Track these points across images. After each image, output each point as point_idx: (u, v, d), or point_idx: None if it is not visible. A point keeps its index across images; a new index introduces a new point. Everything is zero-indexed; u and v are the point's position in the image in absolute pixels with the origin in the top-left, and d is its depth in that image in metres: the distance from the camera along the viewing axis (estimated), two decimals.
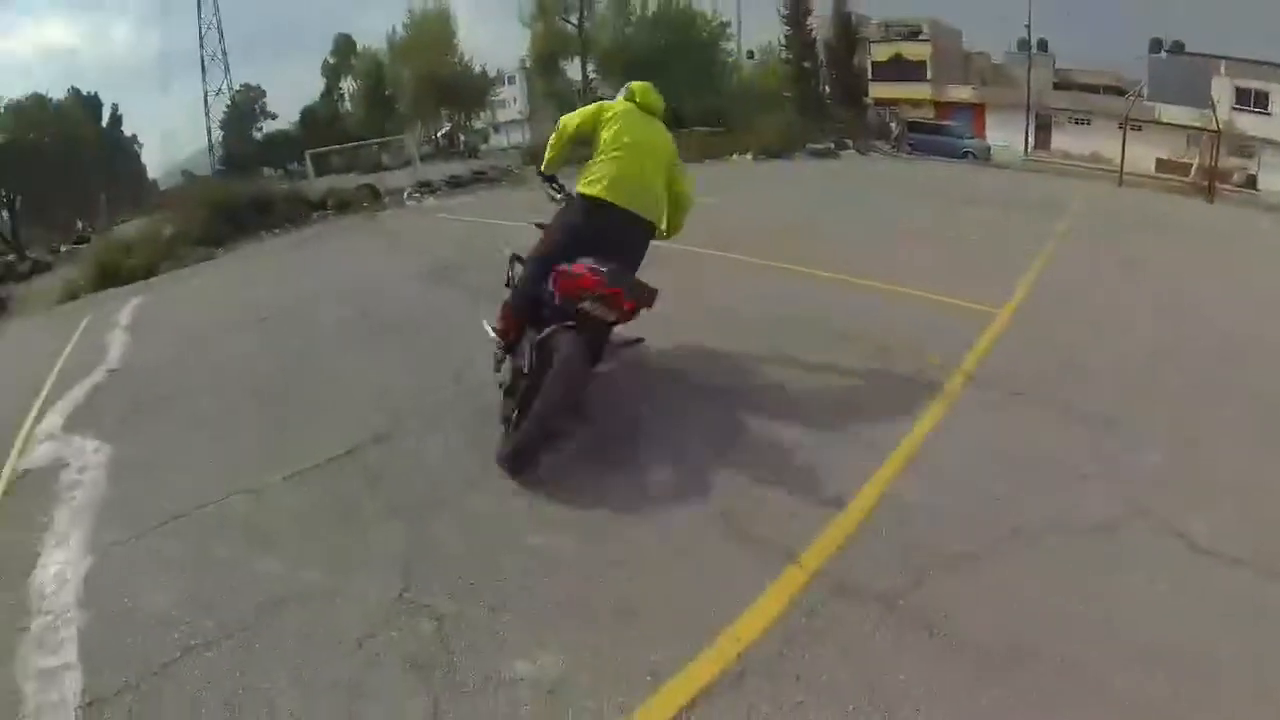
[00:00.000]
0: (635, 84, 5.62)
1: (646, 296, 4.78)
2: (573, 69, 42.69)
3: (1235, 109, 45.50)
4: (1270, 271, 12.36)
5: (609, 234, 5.04)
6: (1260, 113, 46.07)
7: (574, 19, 40.27)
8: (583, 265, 4.64)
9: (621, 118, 5.32)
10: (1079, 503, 4.38)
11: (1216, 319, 8.50)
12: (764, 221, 14.16)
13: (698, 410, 5.63)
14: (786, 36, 46.45)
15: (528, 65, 44.64)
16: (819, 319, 7.79)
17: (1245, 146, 45.09)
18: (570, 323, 4.63)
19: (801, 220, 14.67)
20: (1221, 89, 44.94)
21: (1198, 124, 41.21)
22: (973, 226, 14.43)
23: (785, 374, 6.36)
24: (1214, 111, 38.36)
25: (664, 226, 5.71)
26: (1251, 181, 43.81)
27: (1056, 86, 53.74)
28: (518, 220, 8.12)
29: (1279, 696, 3.03)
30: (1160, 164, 45.34)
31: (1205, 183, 38.47)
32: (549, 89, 41.95)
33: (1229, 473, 4.74)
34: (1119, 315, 8.55)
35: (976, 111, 53.93)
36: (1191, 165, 43.59)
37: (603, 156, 5.17)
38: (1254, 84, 46.01)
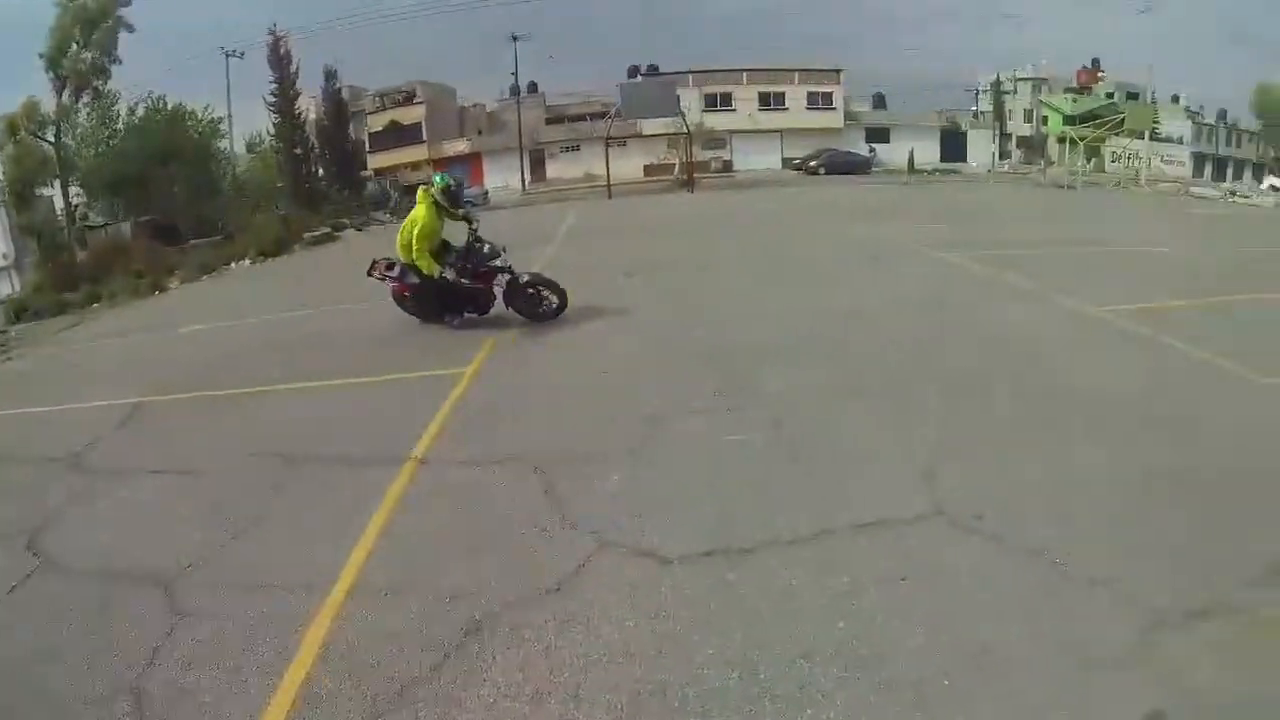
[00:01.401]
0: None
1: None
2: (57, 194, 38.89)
3: (705, 111, 57.91)
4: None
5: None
6: (727, 110, 59.31)
7: (50, 135, 37.15)
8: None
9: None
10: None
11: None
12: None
13: None
14: (275, 124, 45.60)
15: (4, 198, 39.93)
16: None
17: (718, 139, 58.06)
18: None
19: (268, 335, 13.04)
20: (692, 97, 57.28)
21: (673, 131, 50.57)
22: None
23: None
24: (683, 118, 47.38)
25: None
26: (728, 166, 56.42)
27: (549, 122, 62.91)
28: None
29: None
30: (648, 169, 56.05)
31: (685, 176, 47.04)
32: (27, 223, 37.42)
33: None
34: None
35: (474, 161, 59.66)
36: (674, 164, 53.73)
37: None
38: (718, 89, 59.68)
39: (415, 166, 56.90)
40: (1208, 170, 69.36)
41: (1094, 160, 57.41)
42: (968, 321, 10.40)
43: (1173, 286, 12.33)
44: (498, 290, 10.92)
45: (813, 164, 48.57)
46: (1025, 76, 72.07)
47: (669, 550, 4.66)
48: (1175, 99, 76.66)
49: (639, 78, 56.84)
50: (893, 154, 55.55)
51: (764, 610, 4.05)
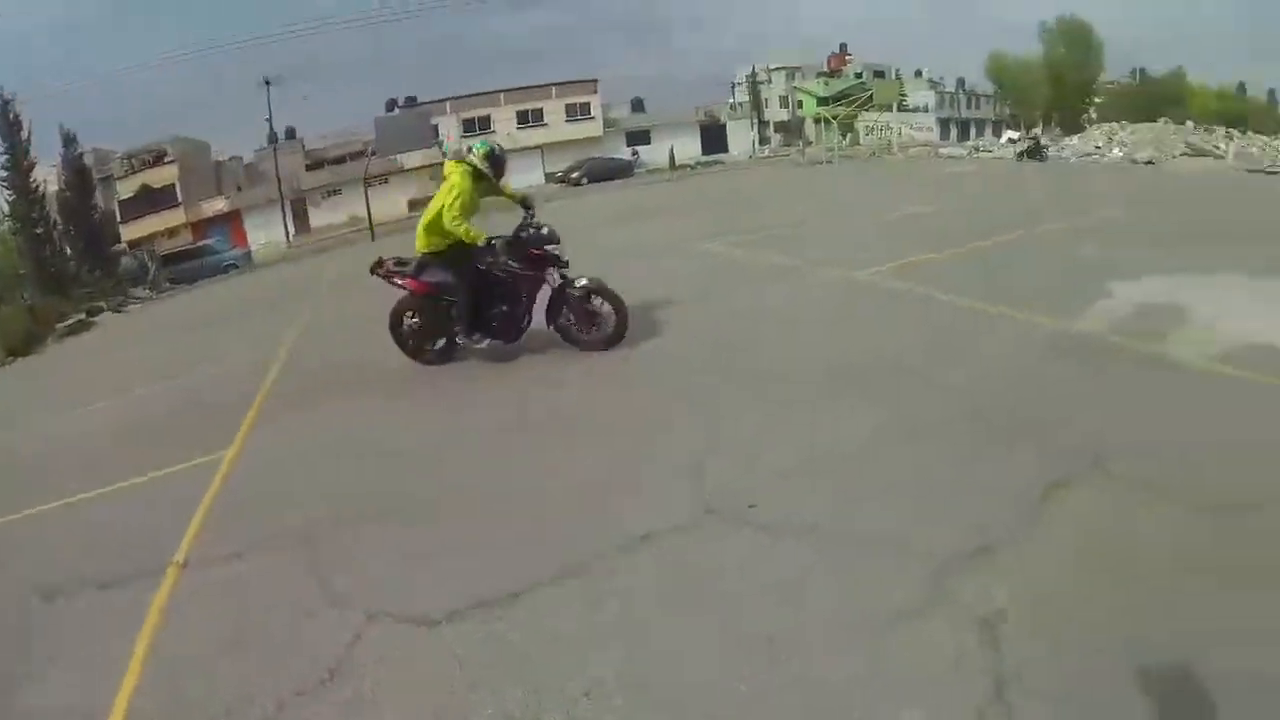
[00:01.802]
0: None
1: None
2: None
3: (465, 136, 57.38)
4: None
5: None
6: (486, 133, 59.11)
7: None
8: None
9: None
10: None
11: None
12: None
13: None
14: (9, 202, 41.17)
15: None
16: None
17: None
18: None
19: None
20: (451, 125, 57.62)
21: (434, 162, 50.21)
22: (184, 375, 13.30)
23: None
24: (440, 148, 47.05)
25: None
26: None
27: (309, 168, 59.83)
28: None
29: None
30: (413, 204, 54.80)
31: None
32: None
33: None
34: None
35: (234, 220, 56.35)
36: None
37: None
38: (476, 113, 60.50)
39: (173, 233, 53.99)
40: (953, 132, 76.69)
41: (849, 136, 61.77)
42: (731, 308, 10.83)
43: (927, 242, 13.45)
44: (549, 285, 8.71)
45: (574, 175, 49.57)
46: (778, 66, 76.68)
47: (436, 610, 4.49)
48: (918, 73, 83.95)
49: (396, 110, 56.46)
50: (655, 154, 57.61)
51: (537, 655, 3.98)
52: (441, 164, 40.84)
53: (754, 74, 72.51)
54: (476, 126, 58.96)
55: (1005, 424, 6.02)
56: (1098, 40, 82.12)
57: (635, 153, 58.93)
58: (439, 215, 8.43)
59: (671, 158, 52.99)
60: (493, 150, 8.75)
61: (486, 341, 8.91)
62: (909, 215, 18.09)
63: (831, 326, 9.55)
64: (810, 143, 59.03)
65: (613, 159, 54.98)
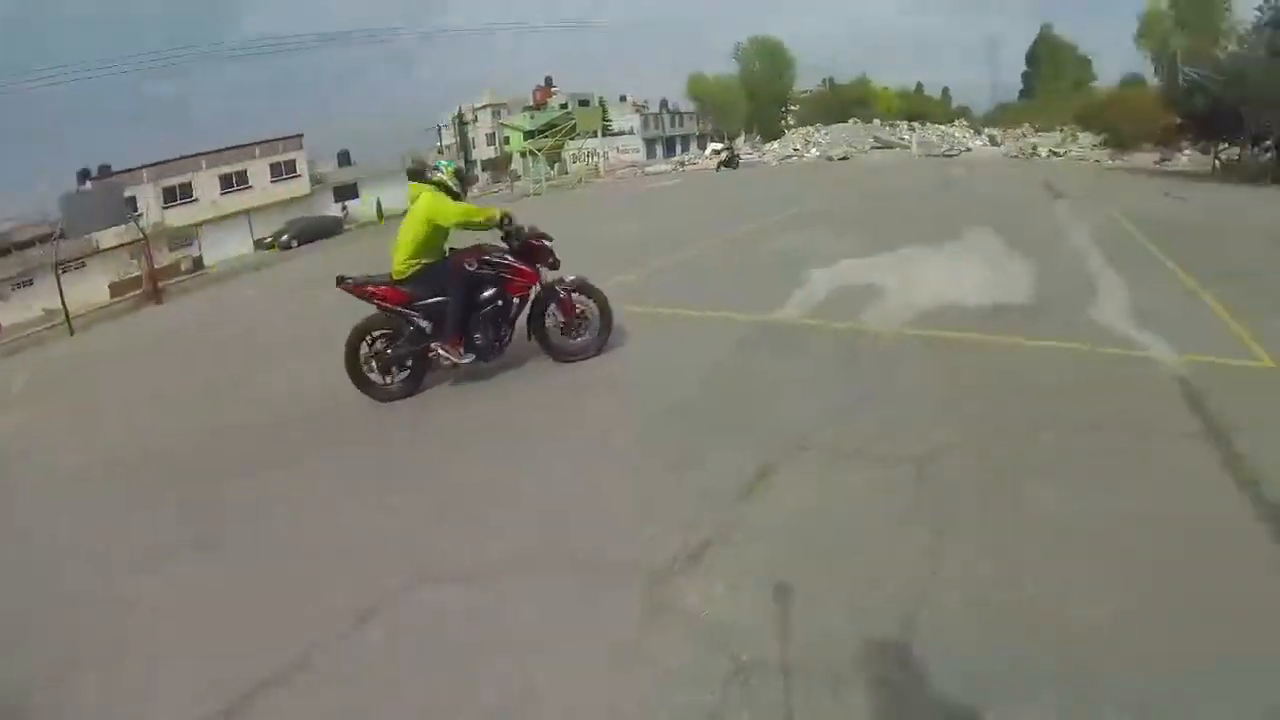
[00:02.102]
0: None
1: None
2: None
3: (167, 207, 53.26)
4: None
5: None
6: (188, 201, 55.02)
7: None
8: None
9: None
10: None
11: None
12: None
13: None
14: None
15: None
16: None
17: (185, 236, 53.38)
18: None
19: None
20: (149, 195, 52.27)
21: (129, 239, 45.29)
22: None
23: None
24: (136, 222, 42.70)
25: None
26: (198, 263, 51.67)
27: None
28: None
29: None
30: (114, 287, 48.80)
31: (151, 287, 41.64)
32: None
33: None
34: None
35: None
36: (141, 275, 48.04)
37: None
38: (177, 180, 55.02)
39: None
40: (659, 150, 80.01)
41: (557, 166, 62.95)
42: None
43: (631, 260, 13.79)
44: (539, 283, 7.85)
45: (284, 239, 46.72)
46: (484, 104, 77.04)
47: None
48: (623, 98, 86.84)
49: (88, 183, 50.92)
50: (366, 206, 55.76)
51: None
52: (136, 242, 36.85)
53: (460, 115, 72.06)
54: (178, 195, 53.75)
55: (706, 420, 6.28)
56: (789, 55, 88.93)
57: (344, 208, 56.49)
58: (417, 238, 7.50)
59: (379, 210, 51.27)
60: (459, 168, 8.23)
61: (470, 358, 7.66)
62: (614, 236, 18.64)
63: None
64: (519, 177, 59.33)
65: (322, 217, 52.26)
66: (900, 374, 7.00)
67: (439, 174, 7.83)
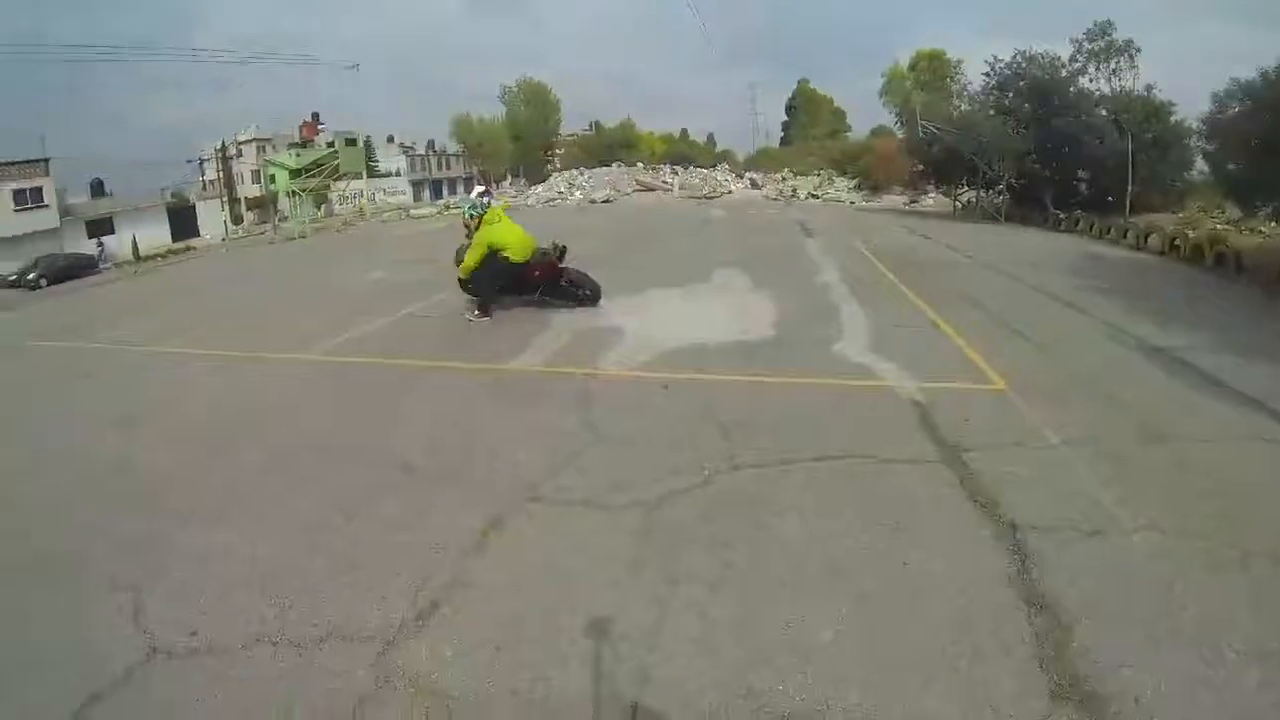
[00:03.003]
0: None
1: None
2: None
3: (18, 211, 46.29)
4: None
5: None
6: (39, 207, 48.15)
7: None
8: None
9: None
10: None
11: None
12: None
13: None
14: None
15: None
16: None
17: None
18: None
19: None
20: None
21: None
22: None
23: None
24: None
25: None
26: None
27: None
28: None
29: None
30: None
31: None
32: None
33: None
34: None
35: None
36: None
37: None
38: (27, 184, 47.52)
39: None
40: (426, 193, 79.01)
41: (324, 207, 60.93)
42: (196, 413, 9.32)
43: (382, 307, 13.88)
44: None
45: (30, 276, 41.47)
46: (249, 138, 73.26)
47: None
48: (390, 139, 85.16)
49: None
50: (122, 244, 50.97)
51: None
52: None
53: (224, 148, 67.63)
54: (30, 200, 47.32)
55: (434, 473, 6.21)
56: (555, 98, 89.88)
57: (100, 244, 50.29)
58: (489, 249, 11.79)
59: (135, 248, 46.90)
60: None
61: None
62: (368, 283, 18.25)
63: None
64: (285, 218, 56.59)
65: (73, 254, 46.11)
66: (635, 417, 7.14)
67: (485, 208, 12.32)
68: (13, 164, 48.40)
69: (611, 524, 5.10)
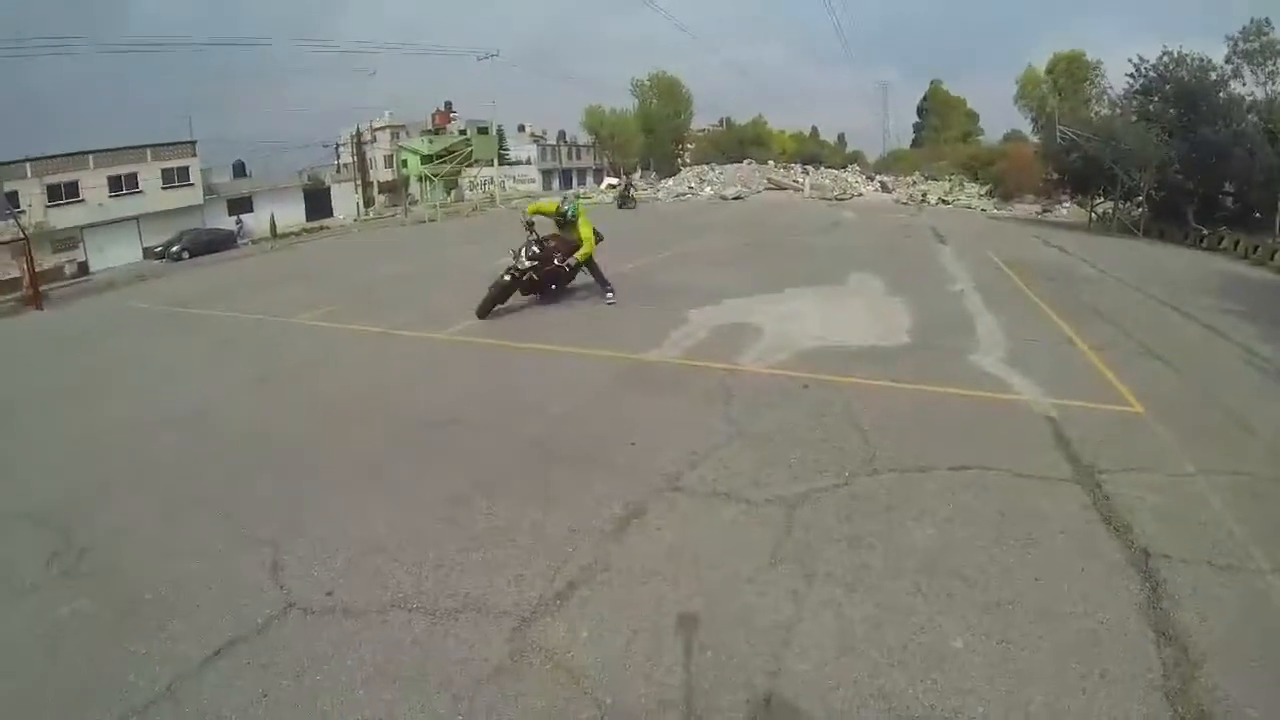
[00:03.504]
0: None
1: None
2: None
3: (51, 206, 50.00)
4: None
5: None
6: (75, 201, 51.78)
7: None
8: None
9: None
10: None
11: None
12: None
13: None
14: None
15: None
16: None
17: (69, 239, 50.01)
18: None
19: None
20: (33, 191, 48.74)
21: (8, 238, 42.78)
22: None
23: None
24: (16, 220, 40.20)
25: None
26: (84, 268, 48.89)
27: None
28: None
29: None
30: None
31: (30, 292, 39.48)
32: None
33: None
34: None
35: None
36: (23, 279, 45.35)
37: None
38: (62, 178, 51.29)
39: None
40: (556, 182, 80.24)
41: (454, 192, 62.45)
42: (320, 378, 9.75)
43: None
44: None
45: (175, 249, 44.38)
46: (383, 125, 75.77)
47: None
48: (521, 128, 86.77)
49: None
50: (260, 221, 53.76)
51: None
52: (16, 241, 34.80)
53: (359, 134, 70.25)
54: (64, 194, 50.45)
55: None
56: (686, 92, 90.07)
57: (239, 221, 53.77)
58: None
59: (272, 226, 49.52)
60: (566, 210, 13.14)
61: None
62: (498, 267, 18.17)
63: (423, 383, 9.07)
64: (415, 201, 58.32)
65: (214, 230, 49.45)
66: (774, 416, 7.07)
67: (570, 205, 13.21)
68: (163, 145, 52.56)
69: (752, 518, 5.05)
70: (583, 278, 13.44)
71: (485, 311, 11.96)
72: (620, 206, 44.70)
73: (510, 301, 12.52)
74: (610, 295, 12.91)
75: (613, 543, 4.76)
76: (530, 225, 12.63)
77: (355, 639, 3.91)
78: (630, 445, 6.39)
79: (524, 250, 12.37)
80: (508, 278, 12.32)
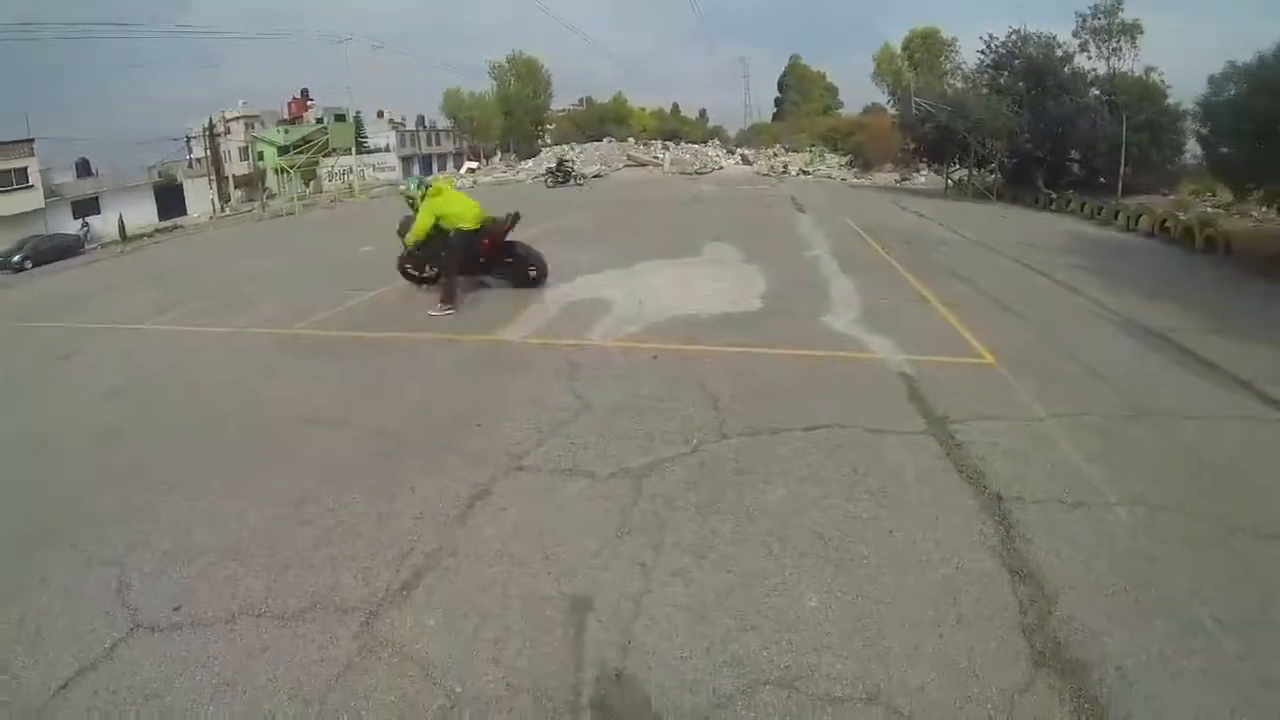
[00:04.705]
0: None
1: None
2: None
3: (2, 192, 45.77)
4: None
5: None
6: (24, 188, 46.92)
7: None
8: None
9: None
10: None
11: None
12: None
13: None
14: None
15: None
16: None
17: None
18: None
19: None
20: None
21: None
22: None
23: None
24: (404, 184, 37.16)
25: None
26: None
27: None
28: None
29: None
30: None
31: None
32: None
33: None
34: None
35: None
36: None
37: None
38: (11, 165, 47.10)
39: None
40: (416, 168, 78.74)
41: (312, 183, 60.67)
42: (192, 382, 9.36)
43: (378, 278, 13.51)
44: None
45: (15, 258, 40.49)
46: (237, 116, 72.75)
47: None
48: (380, 114, 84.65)
49: None
50: (108, 224, 50.67)
51: None
52: None
53: (211, 126, 66.90)
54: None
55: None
56: (546, 73, 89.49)
57: (85, 225, 50.07)
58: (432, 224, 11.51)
59: (121, 228, 46.68)
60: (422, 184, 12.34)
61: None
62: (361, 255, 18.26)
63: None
64: (274, 195, 56.28)
65: (58, 235, 45.41)
66: (624, 387, 7.15)
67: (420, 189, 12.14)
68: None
69: (599, 491, 5.12)
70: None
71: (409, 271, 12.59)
72: (549, 186, 43.99)
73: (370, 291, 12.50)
74: (437, 311, 10.97)
75: (458, 527, 4.75)
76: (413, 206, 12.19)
77: (204, 652, 3.80)
78: (476, 427, 6.36)
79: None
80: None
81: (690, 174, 54.12)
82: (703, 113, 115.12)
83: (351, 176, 60.93)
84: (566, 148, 69.50)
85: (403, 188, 13.18)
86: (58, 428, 7.50)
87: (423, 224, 11.49)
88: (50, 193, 50.20)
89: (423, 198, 11.88)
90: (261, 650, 3.78)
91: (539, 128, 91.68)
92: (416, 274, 12.58)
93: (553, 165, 50.06)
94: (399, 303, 12.01)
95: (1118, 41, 37.43)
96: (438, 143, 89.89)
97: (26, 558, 4.86)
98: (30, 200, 48.48)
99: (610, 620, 3.79)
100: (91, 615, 4.19)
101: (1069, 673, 3.36)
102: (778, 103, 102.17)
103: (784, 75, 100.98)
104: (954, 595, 3.88)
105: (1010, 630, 3.61)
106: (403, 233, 12.13)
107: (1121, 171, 31.94)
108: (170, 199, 57.03)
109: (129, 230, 46.85)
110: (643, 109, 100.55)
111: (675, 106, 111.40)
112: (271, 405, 7.51)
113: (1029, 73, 37.53)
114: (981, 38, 40.36)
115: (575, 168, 48.94)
